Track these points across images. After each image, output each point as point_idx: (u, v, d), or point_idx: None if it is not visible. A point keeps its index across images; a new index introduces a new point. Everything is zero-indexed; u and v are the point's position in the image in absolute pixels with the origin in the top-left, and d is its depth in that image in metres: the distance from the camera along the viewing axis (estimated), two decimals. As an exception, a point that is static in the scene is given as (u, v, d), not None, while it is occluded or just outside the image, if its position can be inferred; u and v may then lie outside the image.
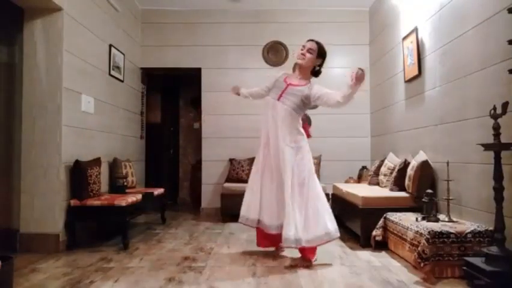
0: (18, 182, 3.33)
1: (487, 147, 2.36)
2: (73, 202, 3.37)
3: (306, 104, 3.10)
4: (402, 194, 3.56)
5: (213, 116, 5.49)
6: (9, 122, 3.45)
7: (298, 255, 3.02)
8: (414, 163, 3.49)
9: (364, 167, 5.26)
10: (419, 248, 2.57)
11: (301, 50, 3.15)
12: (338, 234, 2.96)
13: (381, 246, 3.30)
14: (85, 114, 3.77)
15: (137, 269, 2.76)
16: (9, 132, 3.45)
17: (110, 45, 4.37)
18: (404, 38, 4.08)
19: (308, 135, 3.21)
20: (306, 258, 2.94)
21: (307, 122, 3.45)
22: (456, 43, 3.12)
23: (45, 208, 3.29)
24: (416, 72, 3.79)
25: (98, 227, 3.99)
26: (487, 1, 2.70)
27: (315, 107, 3.67)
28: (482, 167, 2.71)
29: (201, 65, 5.52)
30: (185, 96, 7.20)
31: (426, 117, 3.63)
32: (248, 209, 3.19)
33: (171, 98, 7.01)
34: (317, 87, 3.12)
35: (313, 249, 2.98)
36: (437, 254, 2.51)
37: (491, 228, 2.51)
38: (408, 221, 2.94)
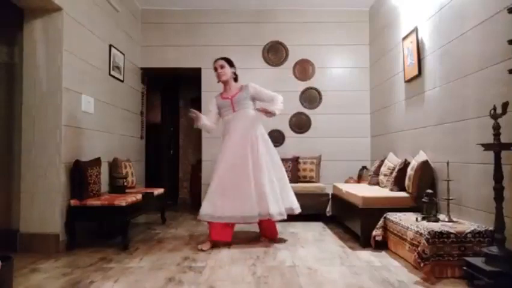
0: (18, 182, 3.33)
1: (487, 147, 2.36)
2: (73, 202, 3.37)
3: (254, 100, 3.69)
4: (402, 194, 3.56)
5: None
6: (9, 122, 3.46)
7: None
8: (414, 163, 3.49)
9: (364, 167, 5.26)
10: (419, 248, 2.57)
11: (217, 70, 3.65)
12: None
13: (381, 246, 3.30)
14: (85, 114, 3.77)
15: (137, 269, 2.76)
16: (9, 132, 3.45)
17: (110, 45, 4.37)
18: (404, 38, 4.08)
19: None
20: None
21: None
22: (456, 43, 3.12)
23: (45, 208, 3.29)
24: (416, 72, 3.79)
25: (98, 227, 3.99)
26: (487, 1, 2.70)
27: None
28: (482, 167, 2.71)
29: (201, 65, 5.51)
30: (185, 96, 7.20)
31: (426, 117, 3.63)
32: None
33: (171, 98, 7.01)
34: (252, 85, 3.68)
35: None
36: (437, 254, 2.51)
37: (491, 228, 2.51)
38: (408, 221, 2.94)
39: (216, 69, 3.64)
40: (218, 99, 3.71)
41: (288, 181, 3.73)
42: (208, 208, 3.38)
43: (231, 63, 3.68)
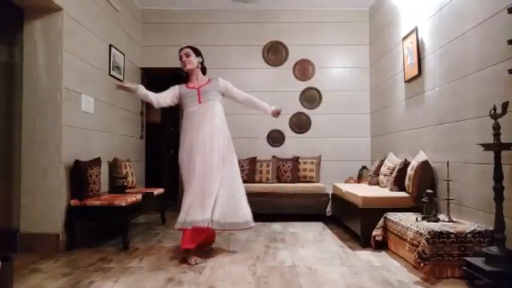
0: (19, 182, 3.33)
1: (487, 147, 2.36)
2: (73, 202, 3.37)
3: (223, 96, 3.44)
4: (402, 194, 3.56)
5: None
6: (9, 121, 3.46)
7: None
8: (414, 163, 3.49)
9: (364, 167, 5.27)
10: (419, 248, 2.57)
11: (182, 59, 3.35)
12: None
13: (381, 246, 3.30)
14: (85, 114, 3.77)
15: (137, 269, 2.76)
16: (9, 132, 3.45)
17: (110, 45, 4.37)
18: (404, 38, 4.08)
19: None
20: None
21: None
22: (456, 43, 3.12)
23: (45, 208, 3.29)
24: (416, 72, 3.79)
25: (98, 227, 3.99)
26: (487, 1, 2.70)
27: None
28: (482, 167, 2.71)
29: (201, 65, 5.51)
30: (185, 96, 7.18)
31: (426, 117, 3.63)
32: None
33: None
34: (222, 80, 3.44)
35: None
36: (437, 254, 2.51)
37: (491, 228, 2.51)
38: (408, 221, 2.94)
39: (181, 57, 3.36)
40: (182, 88, 3.37)
41: (243, 190, 3.30)
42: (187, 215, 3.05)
43: (197, 52, 3.42)
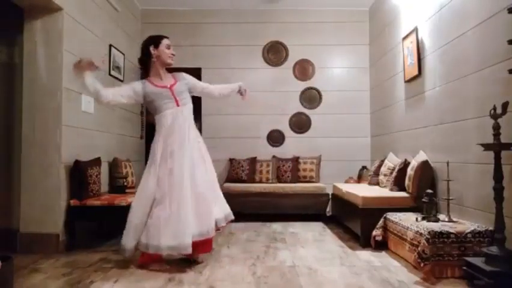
0: (18, 182, 3.33)
1: (487, 147, 2.36)
2: (73, 202, 3.37)
3: (190, 93, 3.09)
4: (402, 194, 3.56)
5: (213, 116, 5.50)
6: (9, 122, 3.46)
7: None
8: (414, 163, 3.49)
9: (364, 167, 5.27)
10: (419, 248, 2.57)
11: (170, 48, 2.97)
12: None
13: (381, 246, 3.30)
14: (85, 114, 3.77)
15: (137, 269, 2.76)
16: (9, 132, 3.45)
17: (110, 45, 4.37)
18: (404, 38, 4.08)
19: None
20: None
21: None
22: (456, 43, 3.11)
23: (45, 208, 3.29)
24: (416, 72, 3.79)
25: (98, 227, 3.99)
26: (487, 1, 2.70)
27: None
28: (482, 167, 2.71)
29: (201, 65, 5.52)
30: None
31: (426, 117, 3.63)
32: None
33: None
34: (187, 75, 3.09)
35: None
36: (437, 254, 2.51)
37: (491, 228, 2.51)
38: (408, 221, 2.94)
39: (169, 47, 2.96)
40: (148, 85, 2.89)
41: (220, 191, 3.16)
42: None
43: None
